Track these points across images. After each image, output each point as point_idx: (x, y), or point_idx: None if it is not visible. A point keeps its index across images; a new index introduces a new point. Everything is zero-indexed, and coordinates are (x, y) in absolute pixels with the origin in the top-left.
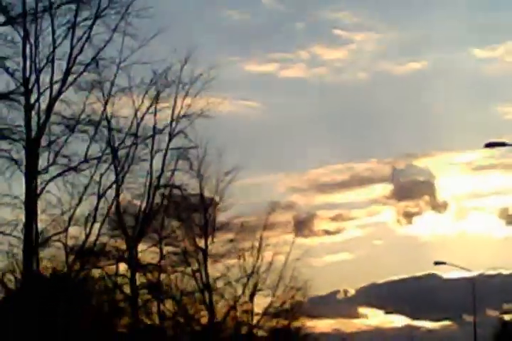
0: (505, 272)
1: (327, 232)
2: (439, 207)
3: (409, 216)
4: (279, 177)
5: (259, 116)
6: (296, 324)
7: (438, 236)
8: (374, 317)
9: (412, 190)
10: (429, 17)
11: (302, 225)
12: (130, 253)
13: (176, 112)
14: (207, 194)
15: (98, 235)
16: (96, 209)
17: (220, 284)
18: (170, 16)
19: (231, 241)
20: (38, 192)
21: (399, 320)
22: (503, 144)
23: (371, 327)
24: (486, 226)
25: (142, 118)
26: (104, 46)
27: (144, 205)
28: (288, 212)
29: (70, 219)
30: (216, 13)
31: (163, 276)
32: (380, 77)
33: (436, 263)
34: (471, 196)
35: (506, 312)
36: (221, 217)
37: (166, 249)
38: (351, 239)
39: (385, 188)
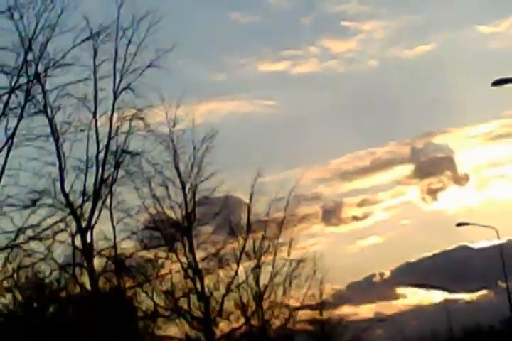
0: None
1: (355, 218)
2: (461, 180)
3: (433, 192)
4: (301, 171)
5: (277, 112)
6: (337, 313)
7: (464, 208)
8: (413, 296)
9: (432, 167)
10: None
11: (330, 214)
12: (82, 236)
13: (119, 65)
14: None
15: None
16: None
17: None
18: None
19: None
20: None
21: (437, 296)
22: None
23: (411, 306)
24: (510, 193)
25: None
26: None
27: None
28: (315, 203)
29: None
30: (222, 16)
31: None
32: (390, 63)
33: (459, 224)
34: (491, 165)
35: None
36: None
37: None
38: (380, 221)
39: (407, 168)
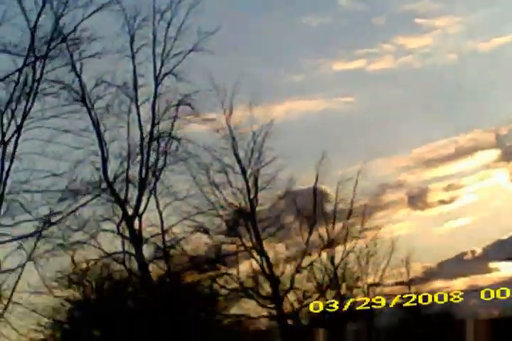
0: None
1: (442, 202)
2: None
3: None
4: (384, 162)
5: (355, 109)
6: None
7: None
8: (506, 269)
9: None
10: None
11: (416, 200)
12: (129, 224)
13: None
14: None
15: None
16: None
17: None
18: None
19: None
20: None
21: None
22: None
23: (506, 278)
24: None
25: None
26: None
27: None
28: (399, 190)
29: None
30: (294, 20)
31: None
32: (467, 56)
33: None
34: None
35: None
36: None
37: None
38: (468, 204)
39: (493, 154)
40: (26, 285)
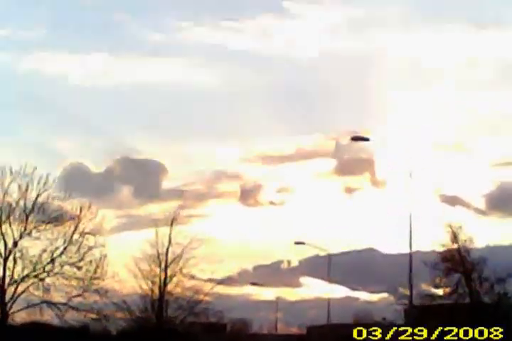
0: None
1: (272, 203)
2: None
3: (350, 191)
4: (226, 149)
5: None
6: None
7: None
8: (315, 287)
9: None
10: None
11: (248, 195)
12: None
13: None
14: None
15: None
16: None
17: None
18: None
19: None
20: None
21: (339, 291)
22: None
23: (312, 297)
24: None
25: None
26: None
27: None
28: (234, 181)
29: None
30: None
31: None
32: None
33: (297, 243)
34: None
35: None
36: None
37: None
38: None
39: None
40: None
